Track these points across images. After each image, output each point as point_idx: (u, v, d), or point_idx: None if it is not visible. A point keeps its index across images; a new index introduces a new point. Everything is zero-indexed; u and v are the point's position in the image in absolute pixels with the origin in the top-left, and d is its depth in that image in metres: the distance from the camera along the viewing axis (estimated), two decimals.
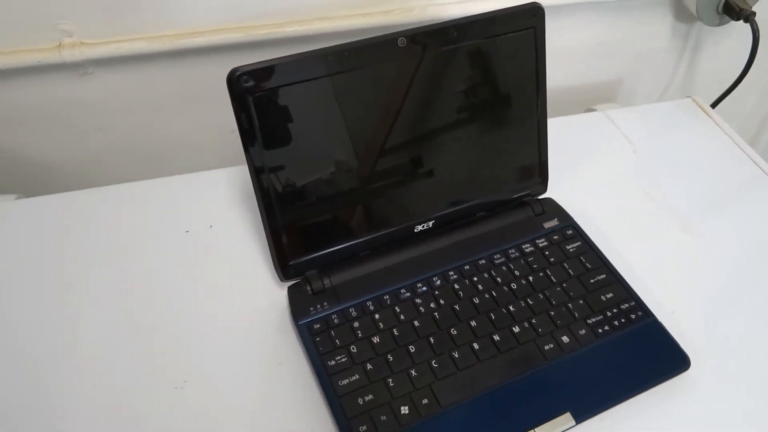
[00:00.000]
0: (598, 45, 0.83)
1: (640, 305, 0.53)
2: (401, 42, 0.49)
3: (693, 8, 0.80)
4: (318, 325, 0.50)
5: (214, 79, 0.71)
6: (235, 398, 0.48)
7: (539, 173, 0.60)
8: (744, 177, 0.68)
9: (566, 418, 0.46)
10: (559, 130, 0.62)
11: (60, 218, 0.60)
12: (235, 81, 0.45)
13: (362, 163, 0.52)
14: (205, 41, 0.66)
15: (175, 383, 0.48)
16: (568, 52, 0.82)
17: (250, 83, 0.45)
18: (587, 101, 0.87)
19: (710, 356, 0.51)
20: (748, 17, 0.77)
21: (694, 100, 0.78)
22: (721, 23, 0.81)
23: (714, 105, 0.82)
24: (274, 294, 0.54)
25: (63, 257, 0.56)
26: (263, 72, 0.45)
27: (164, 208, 0.61)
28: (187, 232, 0.59)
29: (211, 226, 0.60)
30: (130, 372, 0.49)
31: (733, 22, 0.80)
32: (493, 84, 0.54)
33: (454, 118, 0.54)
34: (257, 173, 0.48)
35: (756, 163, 0.69)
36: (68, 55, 0.63)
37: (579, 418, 0.46)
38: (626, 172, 0.68)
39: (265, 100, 0.46)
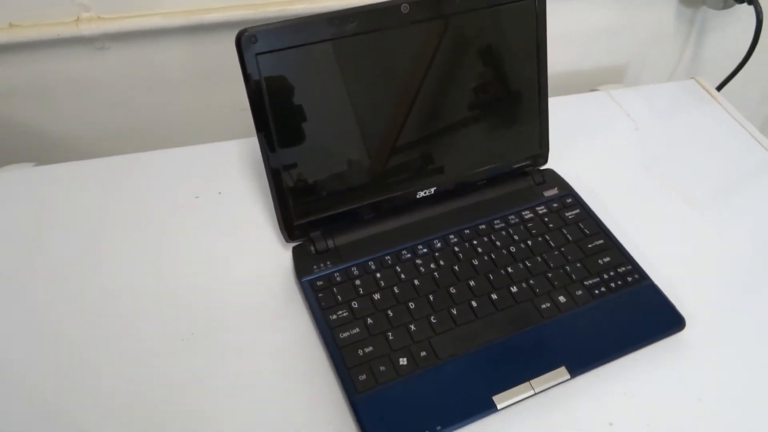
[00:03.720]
0: (604, 29, 0.84)
1: (637, 269, 0.54)
2: (404, 8, 0.50)
3: None
4: (321, 282, 0.52)
5: (225, 56, 0.73)
6: (240, 349, 0.49)
7: (540, 144, 0.61)
8: (749, 158, 0.69)
9: (561, 372, 0.47)
10: (562, 108, 0.63)
11: (77, 185, 0.62)
12: (244, 41, 0.46)
13: (366, 128, 0.53)
14: (217, 17, 0.68)
15: (182, 335, 0.50)
16: (575, 35, 0.83)
17: (258, 44, 0.47)
18: (593, 85, 0.88)
19: (705, 320, 0.52)
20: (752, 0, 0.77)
21: (698, 82, 0.79)
22: (725, 6, 0.82)
23: (719, 88, 0.83)
24: (280, 255, 0.56)
25: (80, 221, 0.58)
26: (270, 33, 0.47)
27: (175, 175, 0.63)
28: (197, 197, 0.61)
29: (220, 193, 0.62)
30: (139, 324, 0.51)
31: (737, 5, 0.81)
32: (496, 53, 0.56)
33: (457, 86, 0.55)
34: (264, 135, 0.50)
35: (761, 144, 0.70)
36: (86, 28, 0.66)
37: (574, 372, 0.47)
38: (627, 149, 0.69)
39: (271, 61, 0.48)
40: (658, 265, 0.55)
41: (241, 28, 0.70)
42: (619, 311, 0.51)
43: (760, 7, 0.77)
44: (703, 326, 0.51)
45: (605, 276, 0.53)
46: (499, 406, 0.45)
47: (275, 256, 0.56)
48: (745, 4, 0.79)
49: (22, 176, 0.63)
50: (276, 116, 0.50)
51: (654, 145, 0.69)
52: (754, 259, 0.57)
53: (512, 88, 0.58)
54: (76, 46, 0.68)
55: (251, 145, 0.67)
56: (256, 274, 0.55)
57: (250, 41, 0.47)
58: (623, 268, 0.54)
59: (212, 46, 0.72)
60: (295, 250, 0.54)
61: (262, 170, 0.63)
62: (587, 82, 0.89)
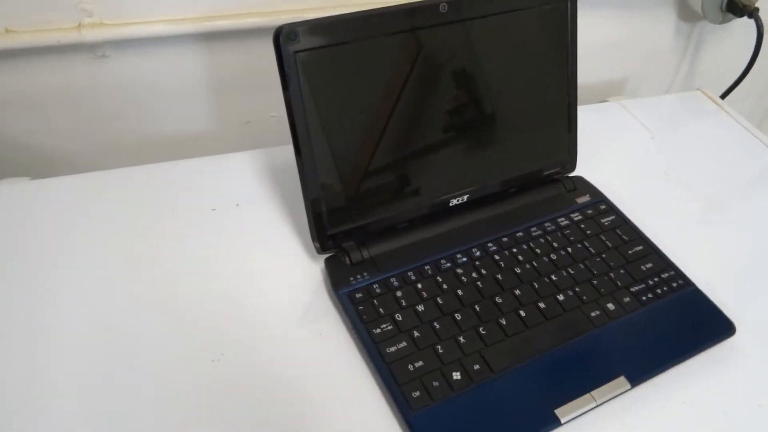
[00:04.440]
0: (605, 43, 0.85)
1: (680, 275, 0.52)
2: (443, 8, 0.49)
3: (698, 7, 0.82)
4: (360, 295, 0.48)
5: (236, 65, 0.70)
6: (274, 369, 0.45)
7: (569, 151, 0.60)
8: (760, 160, 0.69)
9: (621, 382, 0.45)
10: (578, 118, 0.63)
11: (82, 199, 0.57)
12: (283, 38, 0.44)
13: (401, 131, 0.51)
14: (228, 25, 0.66)
15: (212, 356, 0.46)
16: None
17: (297, 41, 0.44)
18: (594, 98, 0.89)
19: (751, 323, 0.50)
20: (752, 13, 0.79)
21: (703, 92, 0.79)
22: (723, 21, 0.84)
23: (722, 98, 0.84)
24: (307, 267, 0.53)
25: (89, 237, 0.54)
26: (310, 30, 0.45)
27: (188, 187, 0.59)
28: (214, 210, 0.58)
29: (237, 205, 0.58)
30: (164, 347, 0.46)
31: (735, 20, 0.83)
32: (529, 56, 0.55)
33: (490, 89, 0.53)
34: (300, 140, 0.47)
35: None
36: (88, 35, 0.62)
37: (633, 381, 0.45)
38: (647, 156, 0.69)
39: (311, 59, 0.45)
40: (696, 270, 0.54)
41: (252, 36, 0.68)
42: (669, 318, 0.49)
43: (761, 21, 0.79)
44: (751, 330, 0.50)
45: (650, 282, 0.51)
46: (562, 420, 0.42)
47: (303, 269, 0.53)
48: (744, 18, 0.80)
49: (20, 191, 0.58)
50: (313, 119, 0.47)
51: (671, 153, 0.69)
52: None
53: (543, 93, 0.56)
54: (76, 53, 0.64)
55: (265, 155, 0.64)
56: (284, 289, 0.51)
57: (289, 38, 0.44)
58: (666, 274, 0.52)
59: (222, 56, 0.69)
60: (328, 262, 0.51)
61: (280, 180, 0.61)
62: (590, 96, 0.90)
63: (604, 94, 0.90)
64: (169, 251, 0.53)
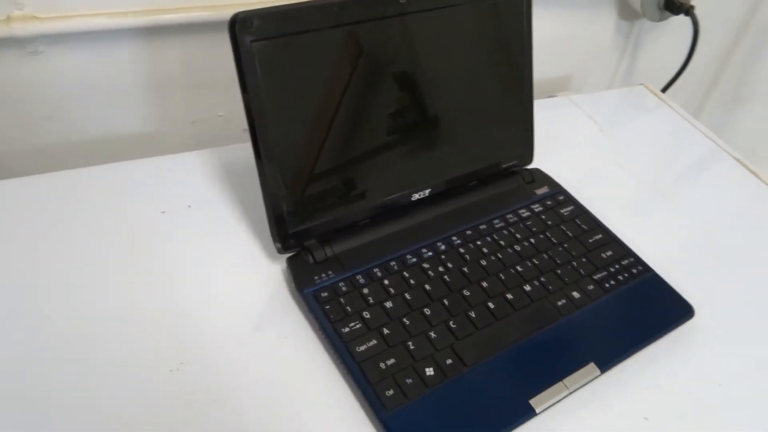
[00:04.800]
0: (548, 41, 0.86)
1: (639, 261, 0.53)
2: None
3: (637, 5, 0.85)
4: (325, 294, 0.47)
5: (180, 62, 0.67)
6: (238, 377, 0.43)
7: (525, 143, 0.60)
8: (700, 148, 0.72)
9: (591, 368, 0.45)
10: None
11: (17, 205, 0.53)
12: (239, 26, 0.42)
13: (359, 124, 0.50)
14: (171, 19, 0.63)
15: (170, 366, 0.43)
16: None
17: (254, 29, 0.42)
18: (540, 96, 0.90)
19: (708, 305, 0.52)
20: (688, 10, 0.82)
21: (645, 87, 0.82)
22: (662, 18, 0.87)
23: (663, 91, 0.87)
24: (267, 268, 0.51)
25: (29, 245, 0.50)
26: (268, 17, 0.43)
27: (134, 190, 0.56)
28: (164, 212, 0.54)
29: (189, 206, 0.55)
30: (119, 358, 0.43)
31: (672, 17, 0.86)
32: (486, 48, 0.54)
33: (448, 82, 0.53)
34: (257, 132, 0.45)
35: (708, 137, 0.74)
36: (18, 29, 0.58)
37: (603, 367, 0.45)
38: (597, 148, 0.70)
39: (268, 48, 0.43)
40: (652, 256, 0.55)
41: (199, 30, 0.65)
42: (632, 304, 0.50)
43: (697, 18, 0.82)
44: (709, 312, 0.51)
45: (611, 269, 0.52)
46: (537, 410, 0.42)
47: (263, 271, 0.50)
48: (681, 16, 0.83)
49: None
50: (272, 111, 0.45)
51: (619, 144, 0.71)
52: (734, 238, 0.60)
53: (501, 85, 0.56)
54: (4, 49, 0.60)
55: (215, 155, 0.61)
56: (244, 292, 0.49)
57: (245, 25, 0.42)
58: (626, 261, 0.53)
59: (165, 52, 0.65)
60: (290, 261, 0.49)
61: (233, 180, 0.58)
62: (536, 93, 0.91)
63: (550, 90, 0.92)
64: (118, 257, 0.50)
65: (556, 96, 0.80)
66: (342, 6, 0.45)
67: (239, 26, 0.42)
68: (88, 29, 0.61)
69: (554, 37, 0.86)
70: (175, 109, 0.71)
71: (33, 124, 0.66)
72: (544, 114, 0.74)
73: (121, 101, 0.68)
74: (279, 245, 0.49)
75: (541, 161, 0.62)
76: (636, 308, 0.50)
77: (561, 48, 0.88)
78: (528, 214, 0.56)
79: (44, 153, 0.68)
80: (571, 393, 0.44)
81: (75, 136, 0.68)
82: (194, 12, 0.63)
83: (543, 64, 0.89)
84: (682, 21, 0.85)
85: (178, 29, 0.65)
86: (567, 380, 0.44)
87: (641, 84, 0.82)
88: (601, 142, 0.71)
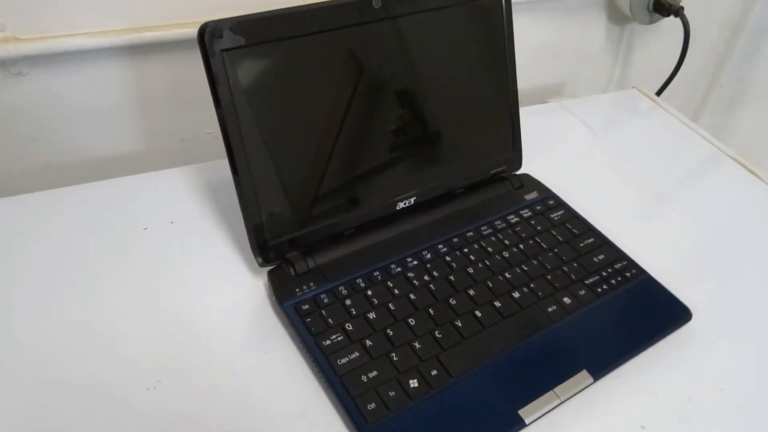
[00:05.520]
0: (540, 48, 0.86)
1: (633, 264, 0.52)
2: (376, 3, 0.47)
3: (626, 8, 0.84)
4: (306, 306, 0.45)
5: (166, 79, 0.67)
6: (217, 393, 0.42)
7: (513, 148, 0.59)
8: (695, 149, 0.71)
9: (584, 376, 0.43)
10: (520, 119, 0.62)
11: (1, 223, 0.53)
12: (207, 36, 0.41)
13: (340, 133, 0.49)
14: (156, 36, 0.62)
15: (147, 384, 0.42)
16: None
17: (224, 38, 0.42)
18: (535, 103, 0.89)
19: (706, 308, 0.50)
20: (678, 11, 0.81)
21: (638, 90, 0.81)
22: (652, 21, 0.86)
23: (657, 94, 0.86)
24: (250, 282, 0.49)
25: (12, 263, 0.49)
26: (237, 26, 0.42)
27: (116, 207, 0.55)
28: (146, 229, 0.54)
29: (171, 222, 0.55)
30: (96, 375, 0.42)
31: (662, 20, 0.85)
32: (466, 55, 0.54)
33: (430, 88, 0.52)
34: (233, 143, 0.44)
35: (705, 138, 0.72)
36: (0, 51, 0.58)
37: (596, 374, 0.43)
38: (591, 153, 0.69)
39: (239, 58, 0.43)
40: (647, 259, 0.53)
41: (184, 48, 0.65)
42: (626, 308, 0.48)
43: (687, 19, 0.81)
44: (706, 315, 0.49)
45: (604, 273, 0.51)
46: (527, 421, 0.40)
47: (246, 285, 0.49)
48: (671, 18, 0.82)
49: None
50: (246, 121, 0.44)
51: (613, 148, 0.70)
52: (731, 240, 0.58)
53: (484, 90, 0.56)
54: None
55: (199, 170, 0.61)
56: (225, 307, 0.48)
57: (214, 35, 0.41)
58: (619, 264, 0.52)
59: (151, 70, 0.65)
60: (271, 274, 0.48)
61: (217, 195, 0.58)
62: (530, 101, 0.90)
63: (544, 97, 0.91)
64: (98, 273, 0.49)
65: (548, 102, 0.79)
66: (314, 13, 0.45)
67: (208, 35, 0.41)
68: (70, 49, 0.60)
69: (545, 44, 0.86)
70: (164, 128, 0.71)
71: (19, 147, 0.65)
72: (536, 120, 0.73)
73: (108, 121, 0.68)
74: (259, 258, 0.48)
75: (532, 167, 0.61)
76: (630, 312, 0.48)
77: (553, 55, 0.87)
78: (517, 219, 0.55)
79: (32, 175, 0.68)
80: (562, 402, 0.42)
81: (62, 157, 0.68)
82: (177, 29, 0.63)
83: (535, 72, 0.88)
84: (673, 23, 0.84)
85: (163, 46, 0.64)
86: (558, 389, 0.42)
87: (634, 87, 0.81)
88: (593, 146, 0.70)
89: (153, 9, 0.61)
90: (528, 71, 0.88)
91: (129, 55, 0.64)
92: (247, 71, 0.43)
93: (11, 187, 0.67)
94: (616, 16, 0.87)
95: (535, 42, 0.85)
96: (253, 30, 0.43)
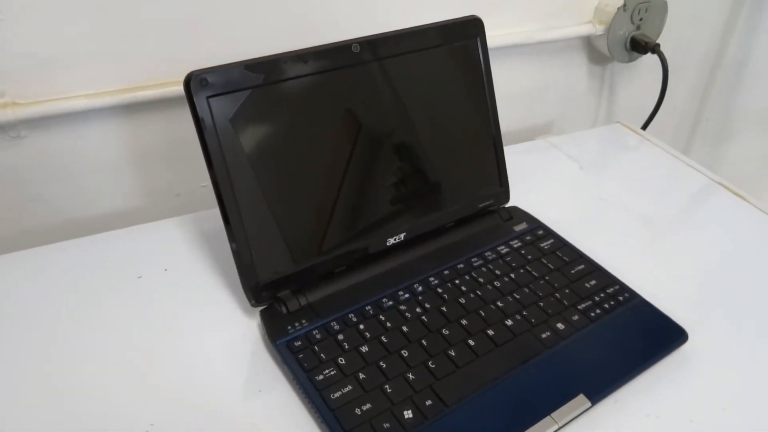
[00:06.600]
0: (524, 92, 0.88)
1: (625, 288, 0.52)
2: (355, 48, 0.50)
3: (605, 49, 0.87)
4: (299, 343, 0.45)
5: (160, 136, 0.69)
6: None
7: (500, 182, 0.60)
8: (683, 178, 0.72)
9: (581, 400, 0.42)
10: (507, 156, 0.64)
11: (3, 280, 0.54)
12: (194, 84, 0.43)
13: (327, 174, 0.50)
14: (149, 95, 0.65)
15: (140, 428, 0.42)
16: (498, 100, 0.86)
17: (209, 86, 0.44)
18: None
19: (701, 329, 0.49)
20: (654, 48, 0.84)
21: (622, 124, 0.83)
22: (631, 59, 0.89)
23: (643, 128, 0.88)
24: (243, 323, 0.50)
25: (6, 320, 0.50)
26: (221, 74, 0.44)
27: (111, 258, 0.56)
28: (140, 277, 0.54)
29: (165, 270, 0.55)
30: (90, 421, 0.42)
31: (641, 57, 0.88)
32: (447, 95, 0.55)
33: (414, 131, 0.54)
34: (221, 186, 0.46)
35: (691, 166, 0.73)
36: (0, 116, 0.60)
37: (593, 398, 0.43)
38: (578, 185, 0.70)
39: (225, 104, 0.45)
40: (639, 284, 0.53)
41: (177, 104, 0.68)
42: (620, 331, 0.48)
43: (664, 55, 0.84)
44: (702, 335, 0.49)
45: (596, 298, 0.51)
46: None
47: (239, 326, 0.49)
48: (649, 54, 0.85)
49: None
50: (234, 163, 0.46)
51: (600, 180, 0.71)
52: (723, 261, 0.58)
53: (467, 127, 0.57)
54: None
55: (192, 220, 0.62)
56: (219, 348, 0.48)
57: (200, 84, 0.43)
58: (611, 289, 0.52)
59: (145, 127, 0.67)
60: (263, 314, 0.48)
61: (209, 242, 0.59)
62: (518, 141, 0.92)
63: (532, 137, 0.93)
64: (92, 322, 0.49)
65: (534, 140, 0.81)
66: (296, 59, 0.47)
67: (194, 84, 0.43)
68: (68, 111, 0.63)
69: (531, 86, 0.88)
70: (159, 183, 0.73)
71: (22, 206, 0.67)
72: (524, 157, 0.75)
73: (106, 178, 0.70)
74: (251, 299, 0.48)
75: (521, 201, 0.62)
76: (625, 335, 0.48)
77: (539, 96, 0.90)
78: (507, 250, 0.55)
79: (32, 233, 0.69)
80: (560, 428, 0.41)
81: (61, 215, 0.69)
82: (170, 87, 0.65)
83: (523, 113, 0.91)
84: (652, 60, 0.87)
85: (157, 104, 0.67)
86: (555, 414, 0.41)
87: (618, 122, 0.83)
88: (581, 178, 0.71)
89: (144, 69, 0.64)
90: (516, 113, 0.90)
91: (123, 114, 0.66)
92: (232, 116, 0.45)
93: (11, 246, 0.69)
94: (596, 57, 0.90)
95: (521, 86, 0.87)
96: (235, 77, 0.45)
